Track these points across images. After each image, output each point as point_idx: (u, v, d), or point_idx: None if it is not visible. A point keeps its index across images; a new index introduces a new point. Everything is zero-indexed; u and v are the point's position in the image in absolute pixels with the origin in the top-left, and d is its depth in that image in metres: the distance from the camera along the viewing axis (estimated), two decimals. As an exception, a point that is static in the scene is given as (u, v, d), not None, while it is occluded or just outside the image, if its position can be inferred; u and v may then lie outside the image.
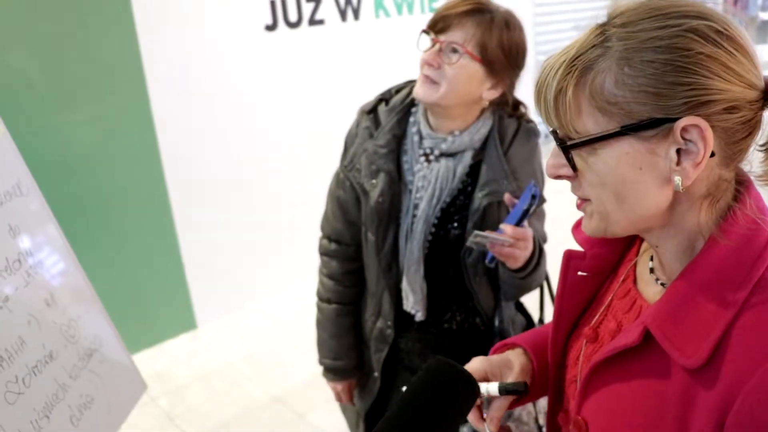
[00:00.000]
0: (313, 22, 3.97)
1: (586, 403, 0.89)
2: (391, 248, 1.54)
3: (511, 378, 1.04)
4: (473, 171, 1.50)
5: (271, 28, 3.79)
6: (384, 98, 1.60)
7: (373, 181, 1.51)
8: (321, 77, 4.08)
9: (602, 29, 0.75)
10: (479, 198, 1.45)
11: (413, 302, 1.55)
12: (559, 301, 0.98)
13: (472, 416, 1.00)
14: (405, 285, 1.55)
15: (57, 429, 1.09)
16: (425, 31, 1.44)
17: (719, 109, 0.70)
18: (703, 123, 0.69)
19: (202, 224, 3.72)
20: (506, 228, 1.31)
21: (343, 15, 4.13)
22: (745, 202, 0.76)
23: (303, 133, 4.07)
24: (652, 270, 0.89)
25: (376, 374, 1.68)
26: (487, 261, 1.39)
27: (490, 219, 1.44)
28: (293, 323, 3.83)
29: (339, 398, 1.80)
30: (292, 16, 3.87)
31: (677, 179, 0.72)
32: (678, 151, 0.71)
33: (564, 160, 0.78)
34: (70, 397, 1.14)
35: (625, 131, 0.72)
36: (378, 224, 1.52)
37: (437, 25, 1.42)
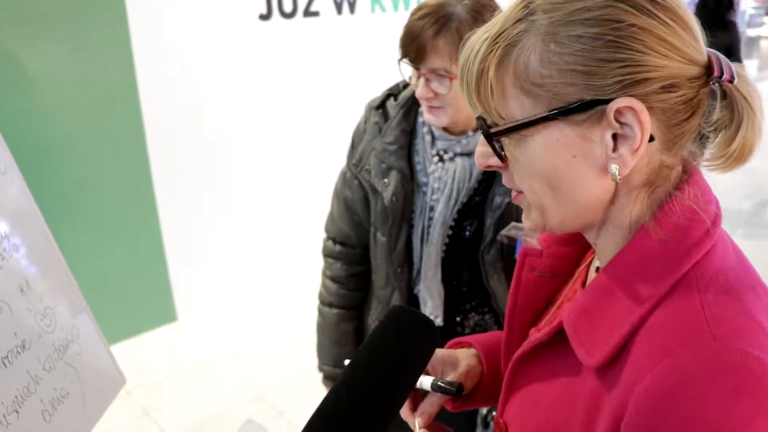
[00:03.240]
0: (308, 13, 3.90)
1: (509, 405, 0.85)
2: (403, 249, 1.48)
3: (451, 377, 0.98)
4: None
5: (265, 17, 3.72)
6: (392, 93, 1.53)
7: (385, 180, 1.45)
8: (313, 69, 4.01)
9: (528, 1, 0.67)
10: (501, 194, 1.38)
11: (432, 308, 1.49)
12: (512, 300, 0.91)
13: (404, 409, 0.95)
14: (422, 291, 1.49)
15: (27, 425, 1.02)
16: (402, 59, 1.34)
17: (656, 88, 0.63)
18: (638, 104, 0.62)
19: (186, 215, 3.64)
20: None
21: (338, 8, 4.06)
22: (684, 189, 0.69)
23: (294, 125, 4.00)
24: (598, 269, 0.82)
25: None
26: (516, 254, 1.34)
27: (508, 215, 1.38)
28: (276, 320, 3.77)
29: None
30: (287, 7, 3.80)
31: (614, 168, 0.65)
32: (614, 136, 0.65)
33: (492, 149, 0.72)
34: (43, 390, 1.07)
35: (554, 115, 0.65)
36: (391, 224, 1.46)
37: (410, 54, 1.32)
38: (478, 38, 0.68)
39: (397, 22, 4.54)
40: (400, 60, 1.35)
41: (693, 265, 0.66)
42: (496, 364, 1.00)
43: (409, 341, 0.80)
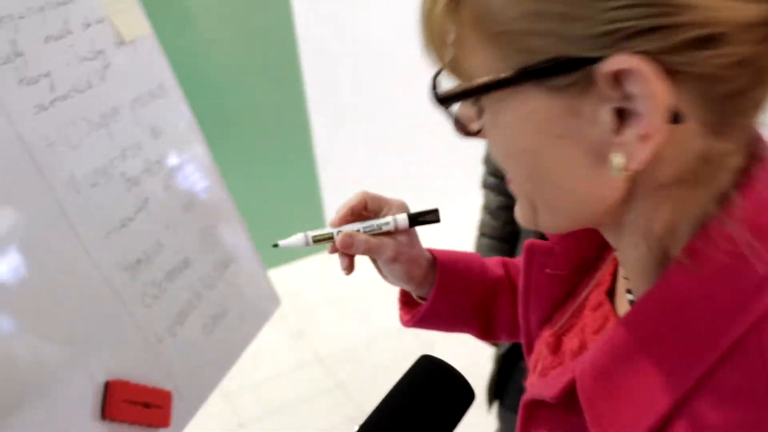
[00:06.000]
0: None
1: None
2: None
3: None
4: None
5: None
6: None
7: None
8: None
9: None
10: None
11: None
12: (524, 299, 0.75)
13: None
14: None
15: (189, 337, 1.08)
16: None
17: (684, 41, 0.39)
18: (642, 65, 0.39)
19: (341, 144, 3.70)
20: None
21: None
22: (737, 201, 0.45)
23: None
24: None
25: None
26: None
27: None
28: (425, 254, 3.79)
29: None
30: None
31: (616, 159, 0.43)
32: (620, 111, 0.42)
33: (473, 112, 0.51)
34: (204, 306, 1.12)
35: (522, 77, 0.43)
36: None
37: None
38: None
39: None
40: None
41: (756, 321, 0.44)
42: (452, 284, 0.86)
43: (437, 406, 0.65)
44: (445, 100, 0.49)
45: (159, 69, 1.15)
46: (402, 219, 0.84)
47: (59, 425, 0.84)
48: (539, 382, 0.63)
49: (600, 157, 0.44)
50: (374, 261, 0.88)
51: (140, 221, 1.02)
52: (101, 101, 0.99)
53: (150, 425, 0.96)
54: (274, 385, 2.97)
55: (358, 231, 0.84)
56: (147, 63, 1.11)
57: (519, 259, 0.92)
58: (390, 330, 3.14)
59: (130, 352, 0.97)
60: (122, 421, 0.91)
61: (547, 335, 0.70)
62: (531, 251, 0.72)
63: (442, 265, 0.86)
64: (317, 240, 0.87)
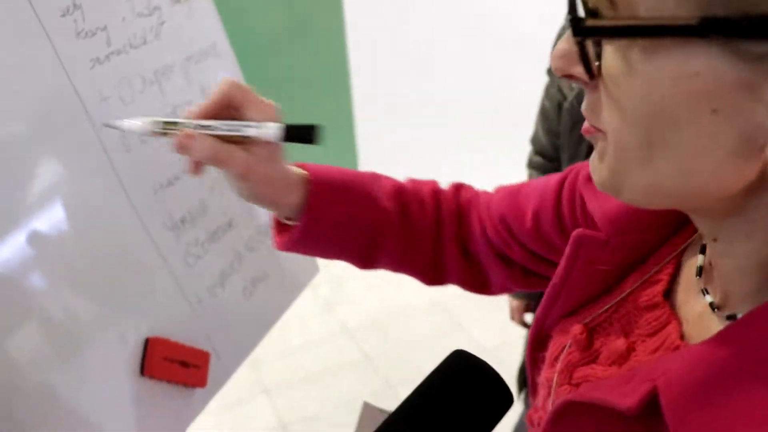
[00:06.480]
0: None
1: None
2: (584, 158, 1.41)
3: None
4: None
5: None
6: None
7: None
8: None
9: None
10: None
11: None
12: (554, 291, 0.66)
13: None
14: None
15: (230, 299, 1.08)
16: None
17: None
18: None
19: (381, 120, 3.68)
20: None
21: None
22: None
23: (503, 32, 3.85)
24: (700, 272, 0.52)
25: None
26: None
27: None
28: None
29: (512, 316, 1.74)
30: None
31: None
32: None
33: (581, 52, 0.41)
34: (246, 268, 1.12)
35: (710, 29, 0.33)
36: (572, 128, 1.41)
37: None
38: None
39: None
40: None
41: None
42: (329, 190, 0.76)
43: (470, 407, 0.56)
44: (589, 32, 0.38)
45: (212, 29, 1.14)
46: (274, 128, 0.68)
47: (99, 379, 0.85)
48: (595, 385, 0.55)
49: (753, 147, 0.36)
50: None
51: (186, 181, 1.02)
52: (155, 58, 0.98)
53: (187, 385, 0.97)
54: (300, 354, 2.99)
55: (215, 132, 0.68)
56: (201, 22, 1.10)
57: (419, 186, 0.86)
58: (418, 305, 3.14)
59: (171, 311, 0.97)
60: (160, 378, 0.92)
61: (576, 330, 0.62)
62: (579, 242, 0.62)
63: (314, 190, 0.76)
64: (165, 129, 0.70)
